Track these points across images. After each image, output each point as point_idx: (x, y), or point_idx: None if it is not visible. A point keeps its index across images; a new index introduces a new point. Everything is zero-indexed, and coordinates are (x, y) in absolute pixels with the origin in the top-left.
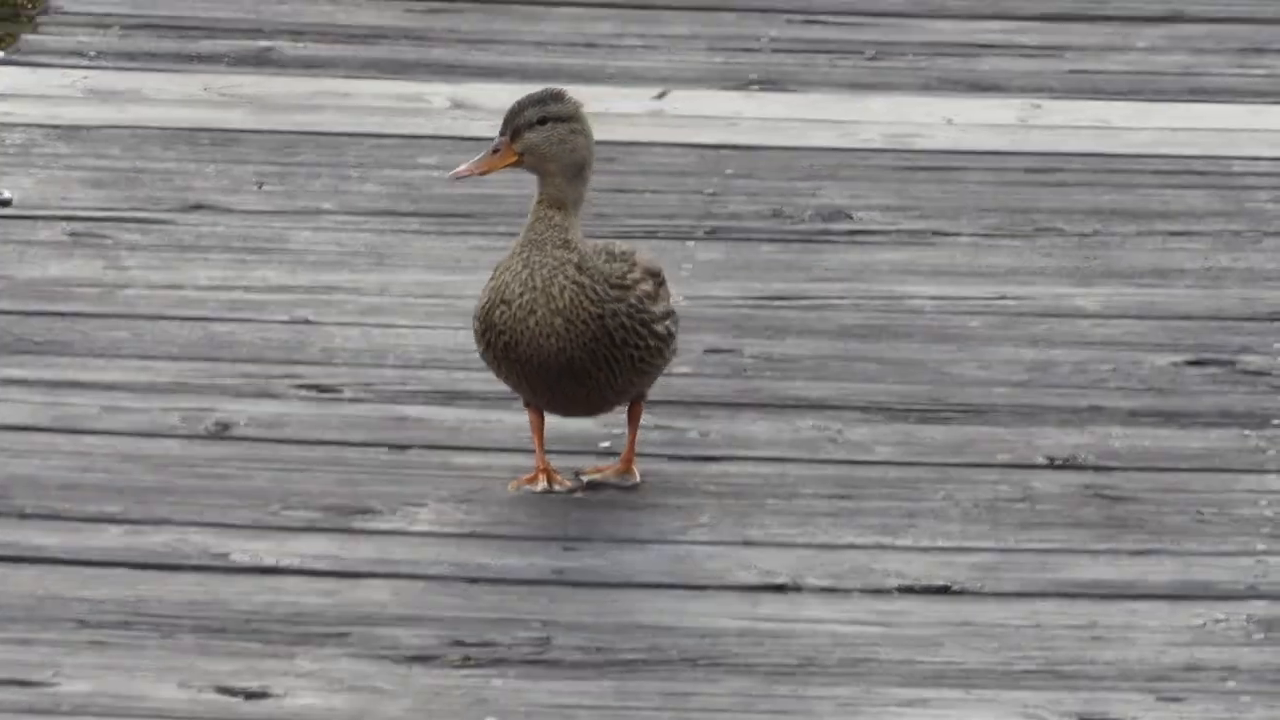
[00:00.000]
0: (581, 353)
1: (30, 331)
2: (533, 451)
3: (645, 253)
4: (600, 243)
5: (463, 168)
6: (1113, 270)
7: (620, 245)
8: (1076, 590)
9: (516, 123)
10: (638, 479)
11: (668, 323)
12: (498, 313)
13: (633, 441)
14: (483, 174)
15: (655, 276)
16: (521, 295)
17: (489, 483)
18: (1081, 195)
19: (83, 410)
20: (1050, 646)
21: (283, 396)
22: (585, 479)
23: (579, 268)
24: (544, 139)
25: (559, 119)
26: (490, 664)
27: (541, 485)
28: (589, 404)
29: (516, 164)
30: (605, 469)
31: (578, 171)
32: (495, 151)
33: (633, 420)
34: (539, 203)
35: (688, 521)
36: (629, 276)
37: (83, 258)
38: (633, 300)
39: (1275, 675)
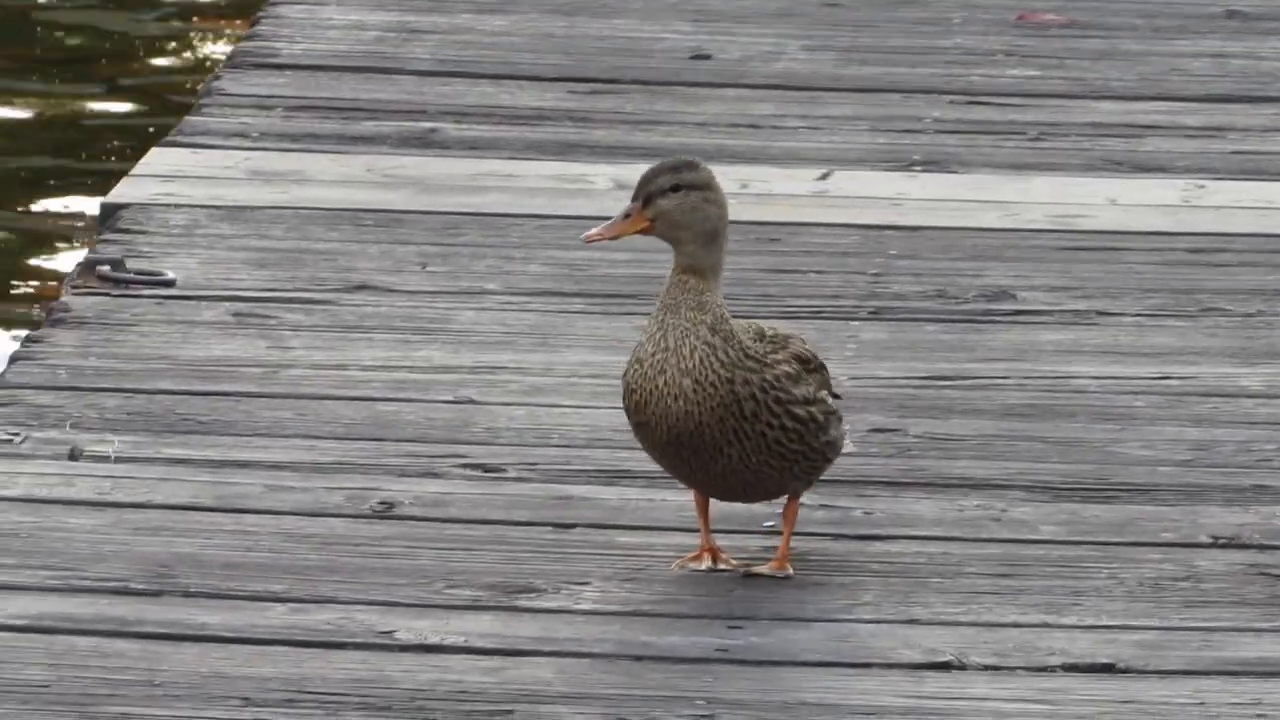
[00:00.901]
0: (709, 418)
1: (194, 411)
2: (696, 530)
3: (802, 343)
4: (756, 324)
5: (595, 230)
6: (1277, 350)
7: (780, 329)
8: (1241, 669)
9: (649, 189)
10: (791, 573)
11: (812, 409)
12: (631, 371)
13: (787, 539)
14: (613, 238)
15: (806, 364)
16: (654, 355)
17: (653, 561)
18: (1245, 275)
19: (246, 489)
20: None
21: (447, 476)
22: (741, 573)
23: (712, 329)
24: (676, 206)
25: (692, 186)
26: None
27: (706, 564)
28: (730, 486)
29: (647, 230)
30: (759, 566)
31: (711, 239)
32: (627, 216)
33: (787, 520)
34: (676, 270)
35: (852, 600)
36: (770, 357)
37: (246, 338)
38: (769, 376)
39: None
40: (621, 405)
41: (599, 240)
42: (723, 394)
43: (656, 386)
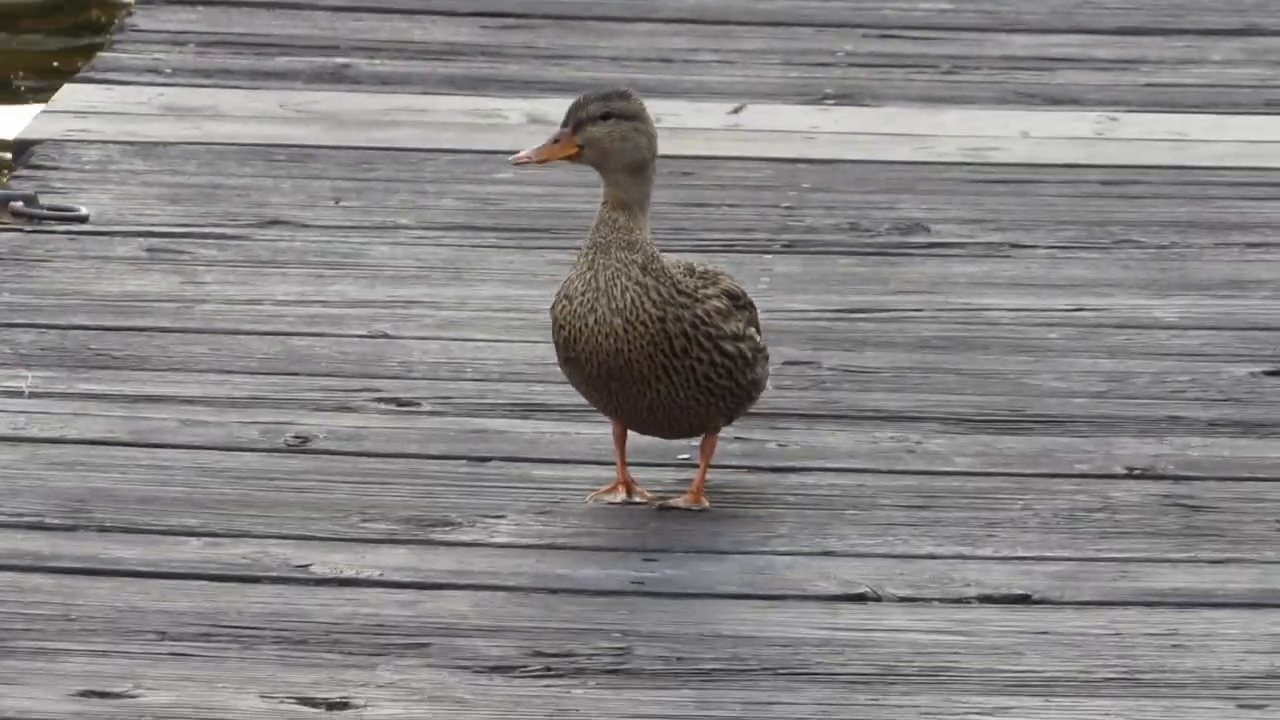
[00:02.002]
0: (639, 355)
1: (109, 346)
2: (612, 464)
3: (731, 280)
4: (686, 259)
5: (523, 153)
6: (1190, 281)
7: (709, 268)
8: (1157, 599)
9: (580, 115)
10: (707, 506)
11: (741, 345)
12: (560, 306)
13: (703, 472)
14: (541, 162)
15: (736, 300)
16: (584, 294)
17: (568, 495)
18: (1158, 207)
19: (161, 424)
20: (1130, 655)
21: (361, 410)
22: (656, 506)
23: (643, 269)
24: (606, 134)
25: (622, 116)
26: (571, 674)
27: (621, 496)
28: (657, 421)
29: (575, 157)
30: (675, 500)
31: (639, 170)
32: (556, 141)
33: (704, 453)
34: (604, 204)
35: (767, 532)
36: (701, 291)
37: (160, 273)
38: (699, 311)
39: None
40: (537, 340)
41: (526, 163)
42: (654, 332)
43: (587, 324)
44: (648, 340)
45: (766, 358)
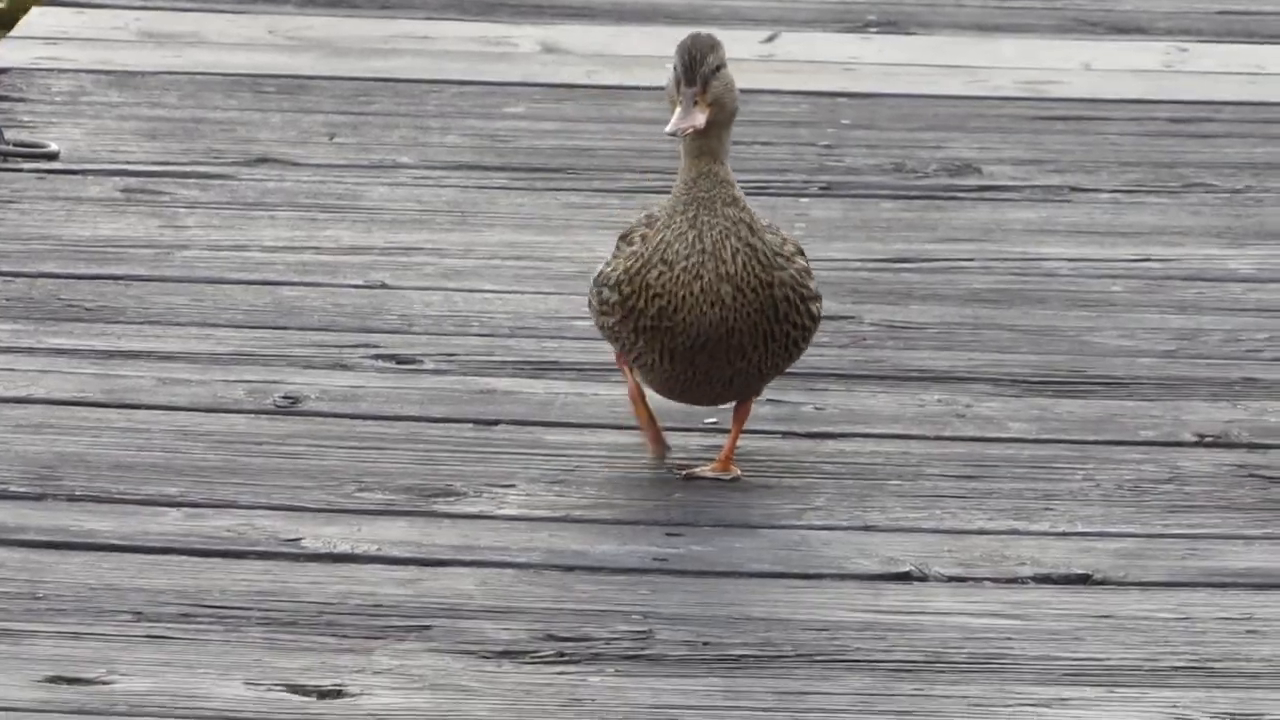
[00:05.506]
0: (745, 324)
1: (80, 297)
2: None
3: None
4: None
5: (683, 123)
6: (1267, 229)
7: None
8: (1229, 580)
9: (703, 72)
10: (738, 474)
11: (818, 305)
12: (654, 273)
13: (734, 438)
14: (699, 129)
15: (803, 255)
16: (688, 258)
17: (584, 462)
18: (1233, 147)
19: (137, 383)
20: (1200, 641)
21: (357, 368)
22: (681, 474)
23: (751, 228)
24: (724, 87)
25: (724, 64)
26: (586, 660)
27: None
28: (721, 392)
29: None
30: (702, 468)
31: (733, 118)
32: (695, 104)
33: (738, 418)
34: (698, 158)
35: (802, 505)
36: (786, 248)
37: (137, 216)
38: (794, 272)
39: None
40: (550, 291)
41: (688, 132)
42: (762, 298)
43: (692, 293)
44: (755, 309)
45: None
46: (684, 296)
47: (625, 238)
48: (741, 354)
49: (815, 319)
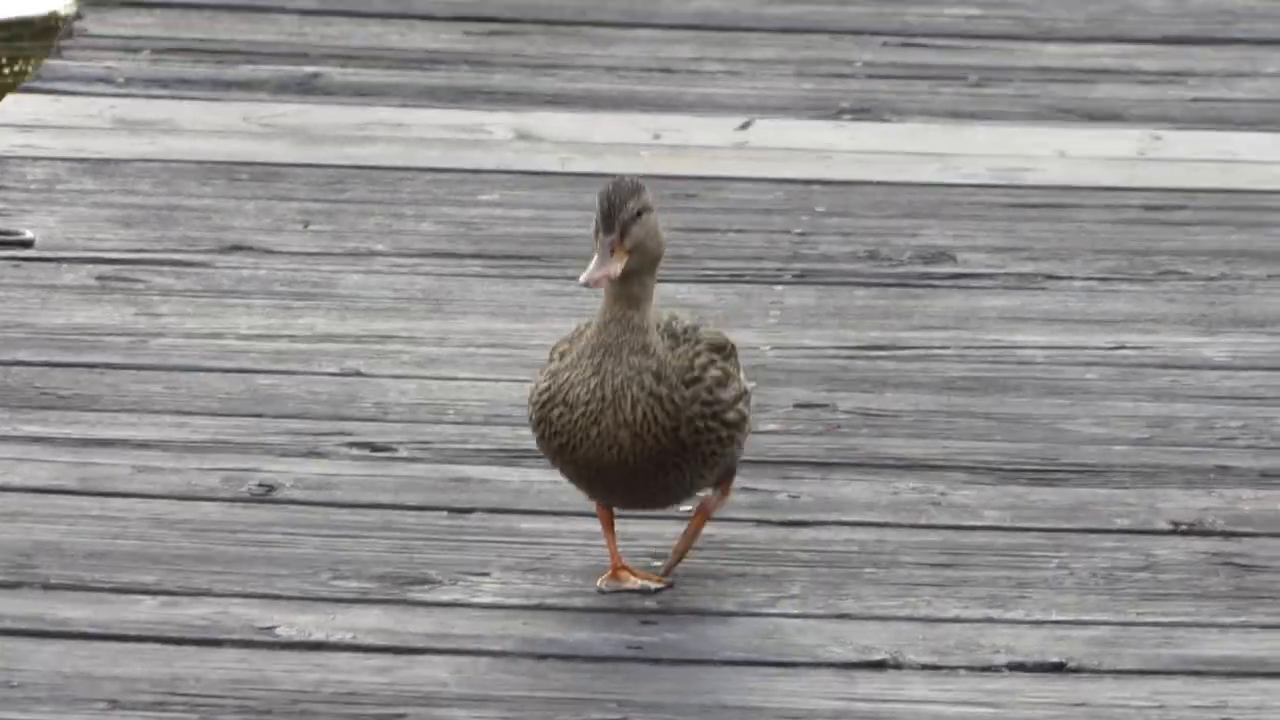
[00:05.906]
0: (648, 464)
1: (55, 385)
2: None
3: (709, 324)
4: (663, 317)
5: (597, 273)
6: (1241, 317)
7: (681, 318)
8: (1204, 668)
9: (622, 218)
10: (660, 587)
11: (740, 405)
12: (556, 412)
13: (679, 555)
14: (614, 279)
15: (722, 351)
16: (587, 404)
17: (558, 550)
18: (1206, 235)
19: (113, 471)
20: None
21: (332, 456)
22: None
23: (656, 376)
24: (645, 233)
25: (648, 208)
26: None
27: (635, 583)
28: (648, 500)
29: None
30: (630, 579)
31: (657, 263)
32: (612, 252)
33: (688, 534)
34: (614, 302)
35: (776, 593)
36: (696, 363)
37: (112, 304)
38: (704, 396)
39: None
40: (524, 379)
41: (602, 283)
42: (665, 441)
43: (589, 436)
44: (656, 450)
45: (749, 398)
46: (581, 439)
47: (556, 347)
48: (652, 479)
49: (737, 422)
